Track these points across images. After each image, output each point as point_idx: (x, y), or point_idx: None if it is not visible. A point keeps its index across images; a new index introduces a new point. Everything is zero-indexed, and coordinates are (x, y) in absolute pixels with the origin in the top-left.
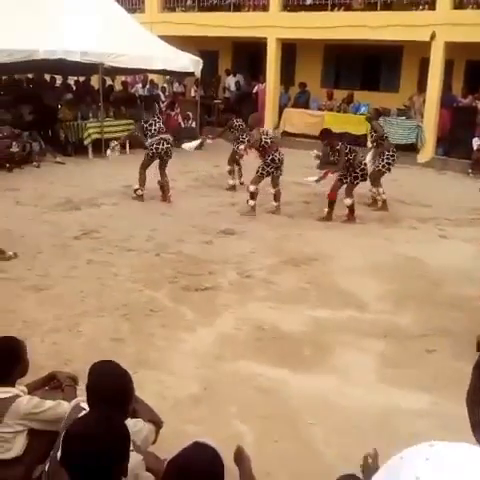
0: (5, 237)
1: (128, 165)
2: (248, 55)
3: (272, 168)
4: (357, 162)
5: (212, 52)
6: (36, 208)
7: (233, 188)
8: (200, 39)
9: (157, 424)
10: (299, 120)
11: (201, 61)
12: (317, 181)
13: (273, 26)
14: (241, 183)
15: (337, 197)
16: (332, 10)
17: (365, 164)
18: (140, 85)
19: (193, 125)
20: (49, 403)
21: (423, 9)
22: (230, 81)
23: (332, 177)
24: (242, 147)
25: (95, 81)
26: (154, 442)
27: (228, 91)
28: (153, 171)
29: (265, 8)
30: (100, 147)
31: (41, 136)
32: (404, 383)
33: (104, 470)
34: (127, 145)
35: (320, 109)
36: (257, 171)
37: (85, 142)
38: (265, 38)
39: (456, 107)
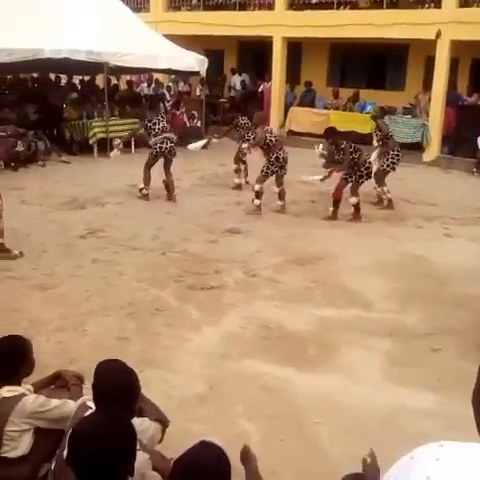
0: (10, 236)
1: (133, 164)
2: (253, 54)
3: (276, 167)
4: (362, 161)
5: (217, 51)
6: (41, 207)
7: (239, 187)
8: (205, 38)
9: (163, 423)
10: (305, 119)
11: (206, 60)
12: (322, 180)
13: (279, 25)
14: (246, 182)
15: (342, 196)
16: (338, 8)
17: (370, 162)
18: (145, 84)
19: (198, 124)
20: (55, 402)
21: (429, 7)
22: (235, 80)
23: (337, 176)
24: (245, 145)
25: (100, 80)
26: (160, 441)
27: (233, 90)
28: (158, 170)
29: (270, 7)
30: (105, 146)
31: (46, 135)
32: (410, 382)
33: (110, 469)
34: (132, 144)
35: (326, 108)
36: (262, 170)
37: (90, 141)
38: (271, 37)
39: (461, 105)
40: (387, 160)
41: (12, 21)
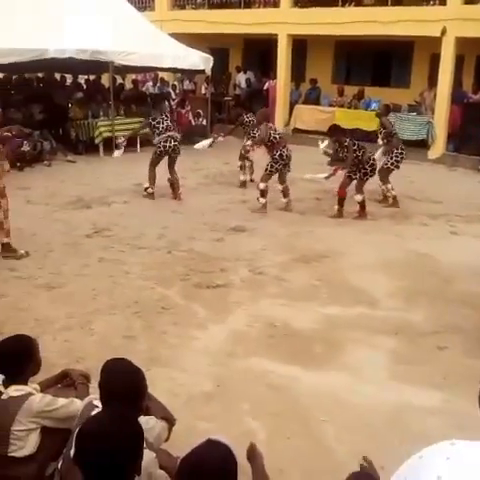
0: (16, 236)
1: (138, 163)
2: (259, 52)
3: (280, 165)
4: (366, 158)
5: (222, 49)
6: (47, 207)
7: (244, 184)
8: (210, 36)
9: (170, 421)
10: (310, 116)
11: (211, 58)
12: (327, 178)
13: (284, 22)
14: (252, 180)
15: (347, 194)
16: (343, 6)
17: (374, 160)
18: (151, 83)
19: (204, 123)
20: (62, 401)
21: (434, 4)
22: (241, 78)
23: (342, 174)
24: (249, 143)
25: (105, 79)
26: (167, 439)
27: (239, 88)
28: (163, 169)
29: (275, 4)
30: (111, 146)
31: (52, 135)
32: (415, 380)
33: (118, 468)
34: (138, 143)
35: (331, 105)
36: (266, 169)
37: (96, 141)
38: (276, 34)
39: (467, 103)
40: (391, 158)
41: (17, 22)
